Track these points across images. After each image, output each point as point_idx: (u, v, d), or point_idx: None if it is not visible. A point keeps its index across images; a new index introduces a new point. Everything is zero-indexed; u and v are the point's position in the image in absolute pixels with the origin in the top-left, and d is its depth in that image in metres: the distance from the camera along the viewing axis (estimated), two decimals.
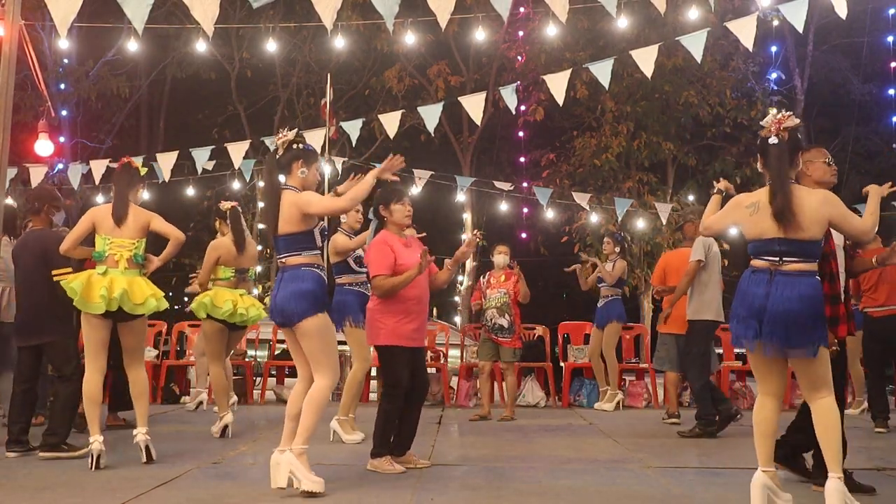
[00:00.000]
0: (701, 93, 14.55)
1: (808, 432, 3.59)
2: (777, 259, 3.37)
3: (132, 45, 10.09)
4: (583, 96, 14.20)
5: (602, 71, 7.82)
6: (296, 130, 4.17)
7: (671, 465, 4.72)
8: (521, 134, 16.49)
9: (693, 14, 10.56)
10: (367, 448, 5.04)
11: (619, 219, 12.65)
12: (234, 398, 7.01)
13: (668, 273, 6.82)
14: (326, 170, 9.91)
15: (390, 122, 9.54)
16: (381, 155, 15.76)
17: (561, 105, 8.75)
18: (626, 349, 8.98)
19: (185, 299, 6.38)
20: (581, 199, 12.15)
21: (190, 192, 13.44)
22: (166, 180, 10.62)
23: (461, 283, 16.68)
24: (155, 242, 4.85)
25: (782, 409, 3.53)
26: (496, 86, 12.80)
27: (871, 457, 4.98)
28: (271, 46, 11.30)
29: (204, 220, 14.91)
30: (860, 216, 3.47)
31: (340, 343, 5.34)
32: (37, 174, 10.56)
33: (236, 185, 14.92)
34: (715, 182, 4.20)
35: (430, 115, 9.21)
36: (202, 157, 10.32)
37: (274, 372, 9.13)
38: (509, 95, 8.64)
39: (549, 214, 13.83)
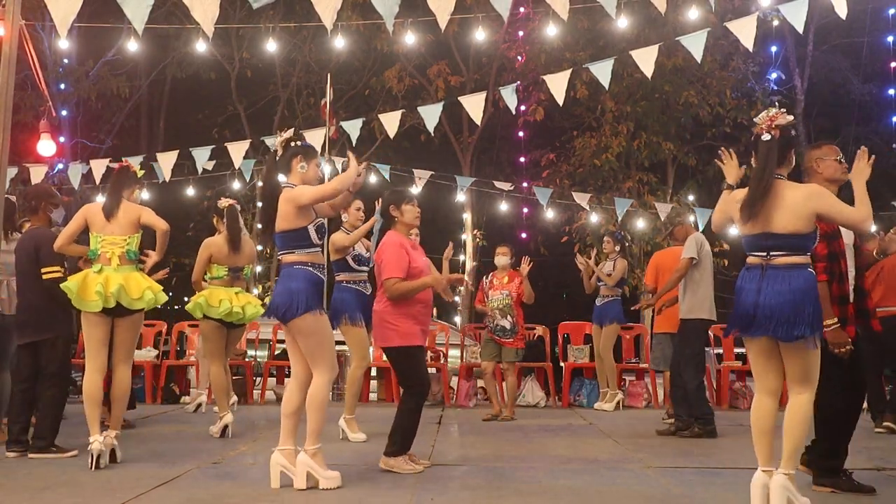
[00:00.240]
0: (701, 93, 14.55)
1: (832, 440, 3.59)
2: (765, 254, 3.41)
3: (132, 45, 10.09)
4: (583, 96, 14.21)
5: (602, 71, 7.82)
6: (292, 130, 4.20)
7: (671, 465, 4.72)
8: (521, 134, 16.50)
9: (693, 14, 10.56)
10: (371, 448, 5.06)
11: (619, 219, 12.65)
12: (234, 398, 7.01)
13: (660, 272, 6.81)
14: (326, 170, 9.91)
15: (390, 122, 9.54)
16: (382, 155, 15.83)
17: (561, 105, 8.75)
18: (626, 349, 8.98)
19: (186, 299, 6.39)
20: (581, 199, 12.16)
21: (190, 192, 13.44)
22: (166, 180, 10.62)
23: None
24: (154, 242, 4.85)
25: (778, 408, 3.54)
26: (496, 86, 12.80)
27: (871, 457, 4.98)
28: (271, 46, 11.30)
29: (204, 219, 14.89)
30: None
31: (339, 343, 5.35)
32: (37, 174, 10.56)
33: (236, 185, 14.91)
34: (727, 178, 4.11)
35: (430, 115, 9.21)
36: (202, 157, 10.33)
37: (274, 372, 9.13)
38: (509, 95, 8.64)
39: (549, 214, 13.84)
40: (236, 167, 10.60)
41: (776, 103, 14.98)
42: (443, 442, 5.69)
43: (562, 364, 8.66)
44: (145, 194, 5.01)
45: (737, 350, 9.07)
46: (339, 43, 10.96)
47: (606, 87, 8.37)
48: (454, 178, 12.38)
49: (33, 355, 5.02)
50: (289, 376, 9.08)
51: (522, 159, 16.91)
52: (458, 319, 16.55)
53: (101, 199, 12.93)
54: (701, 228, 11.64)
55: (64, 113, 14.51)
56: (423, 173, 11.82)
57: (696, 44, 7.41)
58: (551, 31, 9.92)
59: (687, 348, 6.13)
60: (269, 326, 9.25)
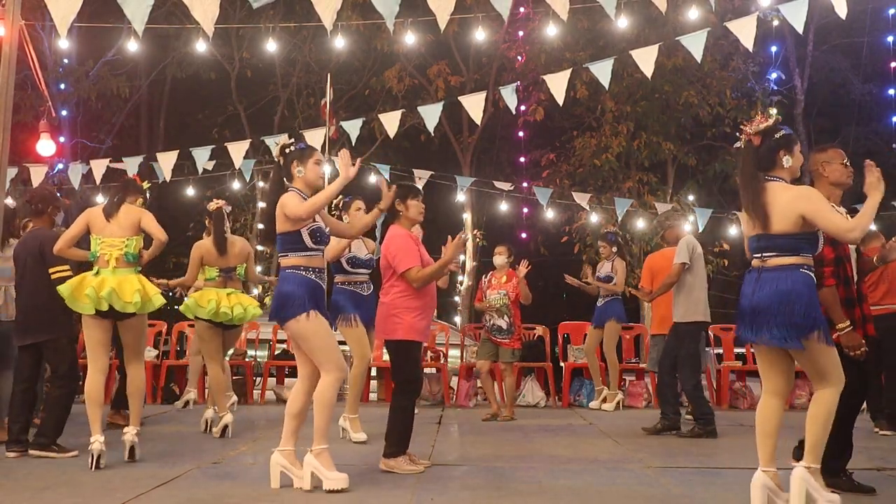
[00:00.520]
0: (701, 93, 14.54)
1: (836, 439, 3.59)
2: (760, 255, 3.45)
3: (132, 45, 10.08)
4: (583, 96, 14.20)
5: (602, 71, 7.82)
6: (286, 136, 4.24)
7: (671, 465, 4.72)
8: (521, 134, 16.49)
9: (693, 14, 10.56)
10: (371, 448, 5.06)
11: (619, 219, 12.65)
12: (234, 398, 7.01)
13: (655, 275, 6.84)
14: (326, 170, 9.90)
15: (390, 122, 9.54)
16: (382, 155, 15.82)
17: (561, 105, 8.75)
18: (626, 349, 8.98)
19: (185, 298, 6.44)
20: (581, 199, 12.16)
21: (190, 192, 13.44)
22: (166, 180, 10.62)
23: (461, 283, 16.68)
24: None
25: (785, 409, 3.54)
26: (496, 86, 12.79)
27: (871, 457, 4.98)
28: (271, 46, 11.30)
29: (204, 219, 14.88)
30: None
31: (341, 343, 5.34)
32: (37, 174, 10.56)
33: (236, 185, 14.92)
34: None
35: (430, 115, 9.21)
36: (202, 157, 10.32)
37: (274, 372, 9.13)
38: (509, 95, 8.64)
39: (549, 214, 13.83)
40: (236, 167, 10.59)
41: (776, 103, 15.07)
42: (443, 442, 5.69)
43: (562, 364, 8.67)
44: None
45: (737, 350, 9.08)
46: (339, 43, 10.96)
47: (606, 87, 8.37)
48: (454, 178, 12.37)
49: (34, 356, 5.04)
50: (289, 376, 9.17)
51: (522, 159, 16.90)
52: (458, 319, 16.55)
53: (101, 199, 12.93)
54: (701, 228, 11.68)
55: (64, 113, 14.50)
56: (423, 173, 11.81)
57: (696, 44, 7.41)
58: (551, 31, 9.92)
59: (682, 349, 6.14)
60: (269, 326, 9.25)
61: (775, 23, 14.34)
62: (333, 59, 14.57)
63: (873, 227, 6.82)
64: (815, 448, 3.35)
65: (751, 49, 7.70)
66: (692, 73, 14.31)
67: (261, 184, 16.02)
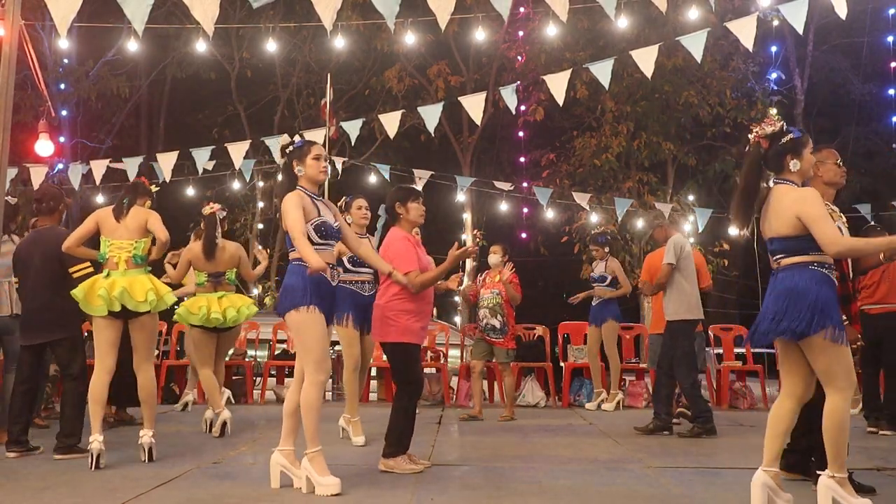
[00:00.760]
0: (701, 93, 14.54)
1: (812, 436, 3.59)
2: (774, 258, 3.51)
3: (132, 45, 10.08)
4: (583, 96, 14.20)
5: (602, 71, 7.83)
6: (285, 136, 4.25)
7: (671, 465, 4.72)
8: (521, 134, 16.49)
9: (693, 14, 10.56)
10: (371, 448, 5.06)
11: (619, 219, 12.65)
12: (227, 392, 7.03)
13: (654, 273, 6.88)
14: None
15: (390, 122, 9.54)
16: (382, 155, 15.83)
17: (561, 105, 8.76)
18: (626, 349, 8.98)
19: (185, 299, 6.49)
20: (581, 199, 12.16)
21: (190, 192, 13.45)
22: (166, 180, 10.63)
23: (461, 283, 16.67)
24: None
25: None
26: (496, 86, 12.80)
27: (871, 457, 4.98)
28: (271, 46, 11.30)
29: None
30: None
31: (336, 343, 5.33)
32: (37, 174, 10.56)
33: (236, 185, 14.93)
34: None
35: (430, 115, 9.21)
36: (202, 157, 10.33)
37: (274, 372, 9.13)
38: (509, 95, 8.64)
39: (549, 214, 13.84)
40: (236, 167, 10.60)
41: (776, 103, 15.06)
42: (443, 442, 5.69)
43: (562, 364, 8.67)
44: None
45: (737, 350, 9.08)
46: (339, 43, 10.96)
47: (606, 87, 8.38)
48: (454, 178, 12.38)
49: (36, 356, 5.03)
50: (289, 376, 9.17)
51: (522, 159, 16.91)
52: (458, 319, 16.56)
53: (101, 199, 12.91)
54: (701, 228, 11.68)
55: (64, 113, 14.52)
56: (423, 173, 11.82)
57: (696, 44, 7.42)
58: (551, 31, 9.92)
59: (677, 349, 6.16)
60: (269, 326, 9.26)
61: (775, 23, 14.36)
62: (333, 59, 14.57)
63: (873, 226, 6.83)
64: (837, 457, 3.32)
65: (751, 49, 7.71)
66: (692, 73, 14.31)
67: (261, 184, 16.03)
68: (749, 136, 3.63)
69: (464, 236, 16.39)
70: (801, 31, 7.35)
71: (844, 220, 3.76)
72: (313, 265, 3.73)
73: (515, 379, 7.70)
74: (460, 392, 8.38)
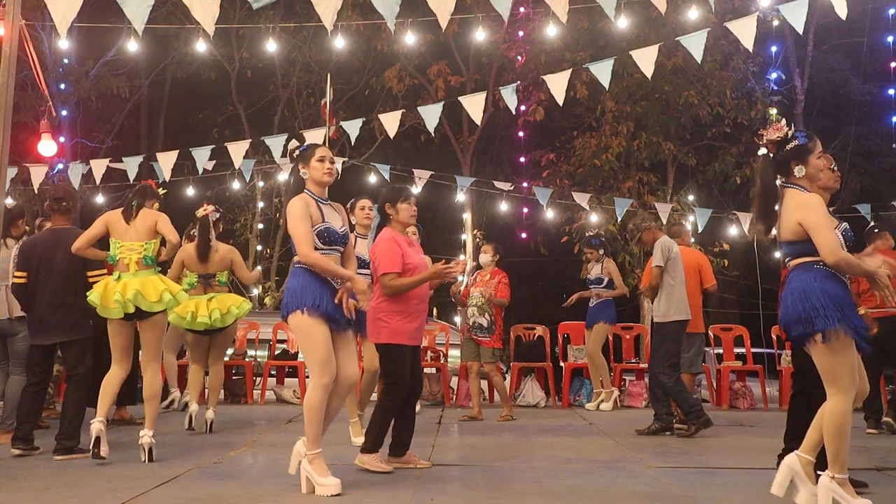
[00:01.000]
0: (701, 93, 14.53)
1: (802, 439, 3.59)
2: (785, 260, 3.59)
3: (132, 45, 10.07)
4: (583, 96, 14.19)
5: (602, 71, 7.83)
6: (290, 138, 4.26)
7: (671, 465, 4.72)
8: (521, 134, 16.47)
9: (693, 14, 10.55)
10: None
11: (619, 219, 12.65)
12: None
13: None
14: None
15: (390, 122, 9.53)
16: (382, 155, 15.82)
17: (561, 105, 8.75)
18: (626, 349, 8.99)
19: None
20: (581, 199, 12.15)
21: (190, 192, 13.44)
22: (166, 180, 10.62)
23: (461, 283, 16.67)
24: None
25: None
26: (496, 86, 12.79)
27: (871, 457, 4.99)
28: (271, 46, 11.29)
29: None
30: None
31: None
32: (37, 174, 10.55)
33: (236, 185, 14.92)
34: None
35: (430, 115, 9.20)
36: (202, 157, 10.32)
37: (274, 372, 9.12)
38: (509, 95, 8.64)
39: (549, 214, 13.83)
40: (236, 167, 10.59)
41: (774, 103, 15.04)
42: (443, 442, 5.69)
43: (562, 364, 8.67)
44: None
45: (737, 350, 9.08)
46: (339, 43, 10.93)
47: (606, 87, 8.38)
48: (454, 178, 12.37)
49: (46, 356, 5.05)
50: (289, 376, 9.16)
51: (522, 159, 16.89)
52: (458, 319, 16.54)
53: (101, 199, 12.91)
54: (701, 228, 11.68)
55: (64, 113, 14.51)
56: (423, 173, 11.81)
57: (696, 44, 7.41)
58: (551, 31, 9.90)
59: (662, 348, 6.18)
60: (269, 326, 9.25)
61: (775, 23, 14.35)
62: (333, 59, 14.56)
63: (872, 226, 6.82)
64: (837, 459, 3.31)
65: (751, 49, 7.70)
66: (692, 73, 14.30)
67: (261, 184, 16.02)
68: (756, 140, 3.66)
69: (464, 236, 16.40)
70: (801, 31, 7.35)
71: (846, 226, 3.75)
72: (346, 279, 3.84)
73: (507, 377, 7.67)
74: (460, 392, 8.38)
